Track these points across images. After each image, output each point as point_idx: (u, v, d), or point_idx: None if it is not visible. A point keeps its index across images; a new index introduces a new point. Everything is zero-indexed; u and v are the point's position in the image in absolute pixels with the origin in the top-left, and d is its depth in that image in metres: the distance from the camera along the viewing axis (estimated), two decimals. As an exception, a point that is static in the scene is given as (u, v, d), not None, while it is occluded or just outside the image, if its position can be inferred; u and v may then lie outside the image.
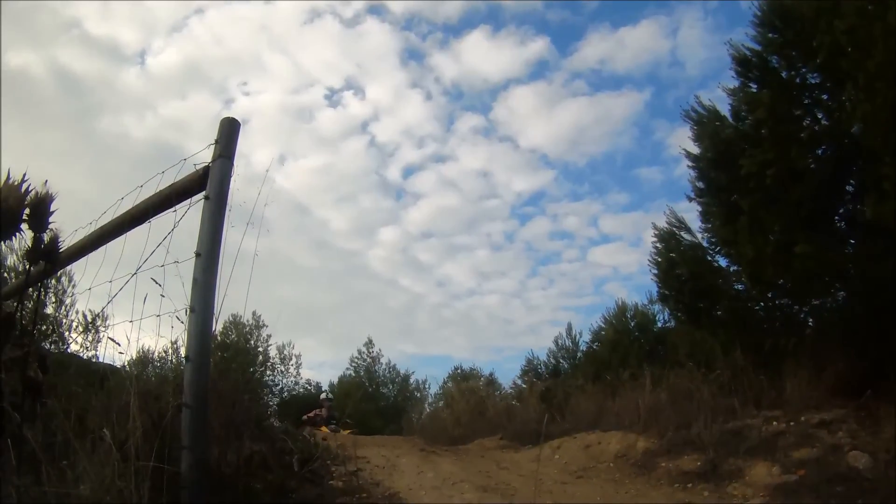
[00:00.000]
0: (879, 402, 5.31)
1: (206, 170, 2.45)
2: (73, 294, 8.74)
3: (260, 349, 24.34)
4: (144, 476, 2.18)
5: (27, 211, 2.02)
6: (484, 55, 51.09)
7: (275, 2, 51.86)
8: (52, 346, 6.59)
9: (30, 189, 1.99)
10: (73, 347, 5.93)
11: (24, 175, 1.98)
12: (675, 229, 8.18)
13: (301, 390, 26.88)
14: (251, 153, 32.67)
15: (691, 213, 8.26)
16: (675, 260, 7.93)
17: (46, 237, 2.16)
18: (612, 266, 46.01)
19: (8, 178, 1.93)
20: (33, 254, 2.15)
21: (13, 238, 2.03)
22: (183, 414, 2.17)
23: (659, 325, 13.00)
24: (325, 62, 54.86)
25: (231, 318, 20.57)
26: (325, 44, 52.52)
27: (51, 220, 2.12)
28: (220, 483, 2.58)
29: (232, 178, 2.49)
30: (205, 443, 2.27)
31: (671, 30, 47.22)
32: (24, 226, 2.05)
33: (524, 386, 14.88)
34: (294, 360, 26.79)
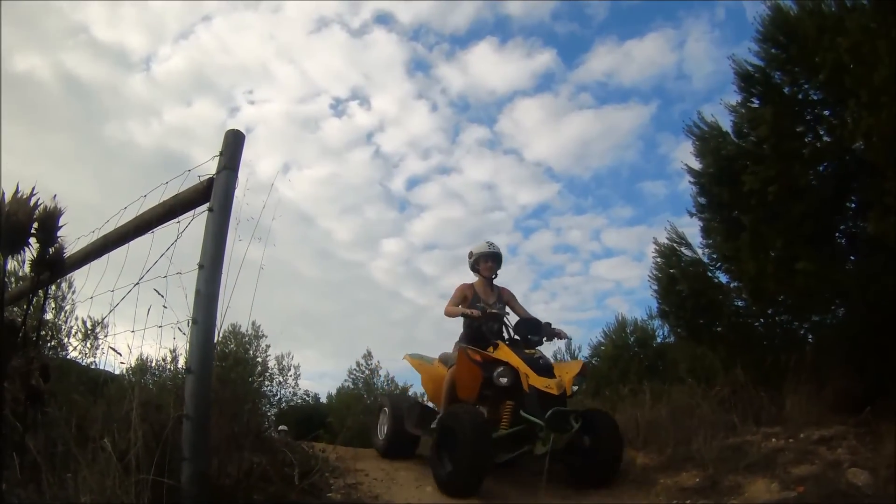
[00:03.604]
0: (880, 419, 5.30)
1: (211, 181, 2.46)
2: (73, 301, 8.74)
3: (259, 359, 24.32)
4: (145, 487, 2.18)
5: (35, 225, 2.03)
6: (491, 67, 51.48)
7: (283, 10, 52.22)
8: (51, 352, 6.59)
9: (38, 203, 2.00)
10: (73, 354, 5.93)
11: (33, 189, 1.99)
12: (675, 245, 8.18)
13: (299, 401, 26.87)
14: (256, 162, 32.85)
15: (693, 229, 8.28)
16: (676, 276, 7.91)
17: (52, 248, 2.17)
18: (615, 280, 46.21)
19: (16, 191, 1.95)
20: (39, 264, 2.16)
21: (22, 252, 2.04)
22: (184, 425, 2.18)
23: (659, 340, 13.00)
24: (331, 72, 55.28)
25: (230, 328, 20.53)
26: (331, 53, 52.93)
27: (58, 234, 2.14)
28: (220, 495, 2.57)
29: (236, 190, 2.50)
30: (205, 454, 2.28)
31: (678, 43, 47.65)
32: (31, 239, 2.07)
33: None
34: (293, 370, 26.82)
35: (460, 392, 5.98)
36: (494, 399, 5.76)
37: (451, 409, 5.71)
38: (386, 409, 7.17)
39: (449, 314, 6.48)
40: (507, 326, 6.42)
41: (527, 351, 5.77)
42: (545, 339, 6.25)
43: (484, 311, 6.30)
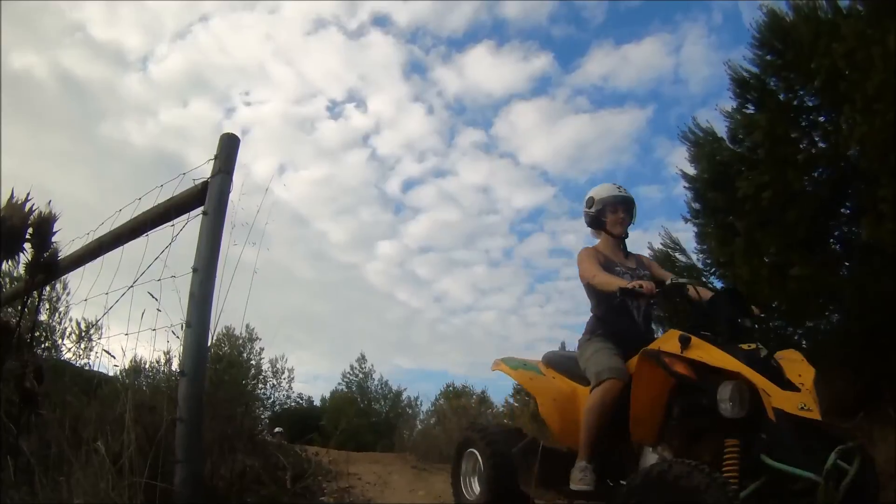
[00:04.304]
0: (873, 424, 5.30)
1: (205, 185, 2.45)
2: (67, 302, 8.71)
3: (252, 362, 24.31)
4: (138, 489, 2.17)
5: (30, 230, 2.04)
6: (487, 70, 51.52)
7: (280, 11, 52.21)
8: (45, 353, 6.57)
9: (33, 208, 2.01)
10: (67, 356, 5.92)
11: (28, 194, 1.99)
12: (669, 251, 8.20)
13: (293, 404, 26.86)
14: (252, 163, 32.84)
15: (687, 234, 8.29)
16: (670, 281, 7.92)
17: (47, 252, 2.17)
18: (611, 284, 46.03)
19: (11, 196, 1.95)
20: (34, 267, 2.16)
21: (17, 256, 2.04)
22: (177, 428, 2.17)
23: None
24: (327, 73, 55.25)
25: (224, 331, 20.53)
26: (328, 55, 52.91)
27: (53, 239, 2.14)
28: (213, 497, 2.57)
29: (231, 193, 2.50)
30: (199, 457, 2.27)
31: (675, 47, 47.77)
32: (26, 244, 2.07)
33: (517, 405, 14.75)
34: (287, 373, 26.83)
35: (635, 428, 3.44)
36: (692, 434, 3.31)
37: (654, 472, 2.74)
38: (476, 452, 4.42)
39: (603, 284, 3.74)
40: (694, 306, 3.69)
41: (742, 347, 3.17)
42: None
43: (659, 284, 3.69)
